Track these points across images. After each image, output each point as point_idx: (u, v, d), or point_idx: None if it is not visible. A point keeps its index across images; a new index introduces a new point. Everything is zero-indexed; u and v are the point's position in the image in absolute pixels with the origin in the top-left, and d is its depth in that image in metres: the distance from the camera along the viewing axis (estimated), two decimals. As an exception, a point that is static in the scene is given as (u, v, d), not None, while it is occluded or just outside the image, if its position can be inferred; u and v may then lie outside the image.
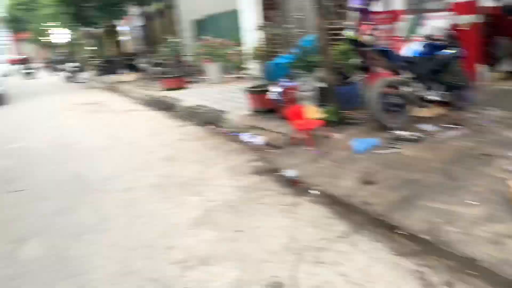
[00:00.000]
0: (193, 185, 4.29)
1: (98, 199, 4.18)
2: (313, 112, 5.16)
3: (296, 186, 3.96)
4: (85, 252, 3.13)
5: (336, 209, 3.40)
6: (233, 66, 11.50)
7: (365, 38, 5.86)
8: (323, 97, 5.61)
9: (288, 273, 2.65)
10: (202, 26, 13.78)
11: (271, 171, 4.41)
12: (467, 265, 2.43)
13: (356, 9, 6.86)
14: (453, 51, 5.18)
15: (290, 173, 4.17)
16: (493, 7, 6.39)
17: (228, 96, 8.49)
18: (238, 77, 11.27)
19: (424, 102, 5.15)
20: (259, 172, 4.47)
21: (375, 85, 4.93)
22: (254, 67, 10.17)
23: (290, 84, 6.09)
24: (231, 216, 3.54)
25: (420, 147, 4.32)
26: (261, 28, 10.09)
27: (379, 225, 3.05)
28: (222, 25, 12.65)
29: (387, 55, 5.17)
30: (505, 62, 6.34)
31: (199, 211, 3.67)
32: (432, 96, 5.15)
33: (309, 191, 3.64)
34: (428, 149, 4.21)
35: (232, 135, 5.91)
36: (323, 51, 5.51)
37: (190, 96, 9.19)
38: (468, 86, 5.32)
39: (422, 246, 2.70)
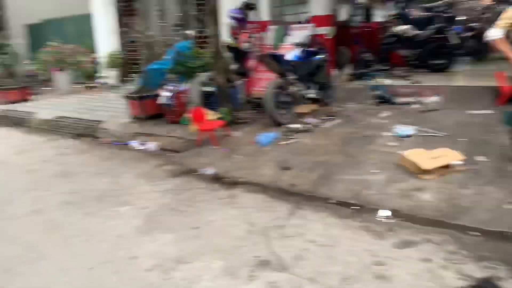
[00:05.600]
0: (113, 197, 4.14)
1: (6, 228, 3.65)
2: (210, 114, 5.58)
3: (220, 181, 4.28)
4: (31, 284, 2.78)
5: (270, 194, 3.92)
6: (83, 75, 10.51)
7: (244, 45, 6.79)
8: (211, 100, 6.08)
9: (267, 251, 2.95)
10: (40, 31, 12.58)
11: (189, 172, 4.62)
12: (395, 215, 3.29)
13: (234, 18, 7.32)
14: (323, 57, 6.49)
15: (209, 171, 4.52)
16: (338, 21, 8.55)
17: (92, 106, 8.06)
18: (90, 86, 10.38)
19: (304, 99, 6.19)
20: (177, 174, 4.61)
21: (269, 86, 5.62)
22: (108, 75, 9.76)
23: (179, 88, 6.22)
24: (177, 217, 3.61)
25: (313, 136, 5.27)
26: (119, 33, 8.92)
27: (313, 199, 3.72)
28: (69, 30, 11.72)
29: (278, 60, 5.90)
30: (347, 67, 8.59)
31: (139, 219, 3.61)
32: (310, 94, 6.28)
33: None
34: (320, 137, 5.20)
35: (119, 145, 5.78)
36: (215, 56, 6.00)
37: (43, 108, 8.35)
38: (332, 86, 6.78)
39: (354, 208, 3.50)
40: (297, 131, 5.53)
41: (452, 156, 3.96)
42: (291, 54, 6.28)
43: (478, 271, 2.55)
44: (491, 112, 5.46)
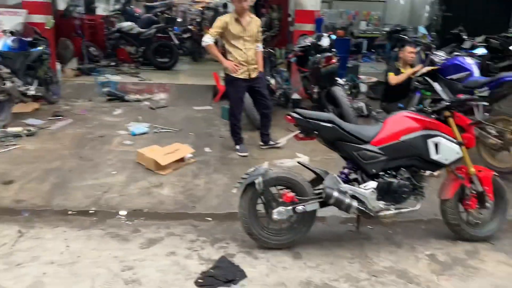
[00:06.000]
0: None
1: None
2: None
3: None
4: None
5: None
6: None
7: None
8: None
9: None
10: None
11: None
12: (136, 215, 3.32)
13: None
14: (42, 48, 5.75)
15: None
16: (57, 10, 7.82)
17: None
18: None
19: (23, 97, 5.41)
20: None
21: None
22: None
23: None
24: None
25: (39, 140, 4.76)
26: None
27: (48, 214, 3.30)
28: None
29: None
30: (72, 61, 7.77)
31: None
32: (30, 91, 5.42)
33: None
34: (48, 140, 4.74)
35: None
36: None
37: None
38: (56, 81, 6.27)
39: (96, 216, 3.30)
40: (17, 135, 4.77)
41: (184, 150, 4.32)
42: (0, 43, 5.30)
43: (214, 253, 2.88)
44: (211, 107, 6.23)
